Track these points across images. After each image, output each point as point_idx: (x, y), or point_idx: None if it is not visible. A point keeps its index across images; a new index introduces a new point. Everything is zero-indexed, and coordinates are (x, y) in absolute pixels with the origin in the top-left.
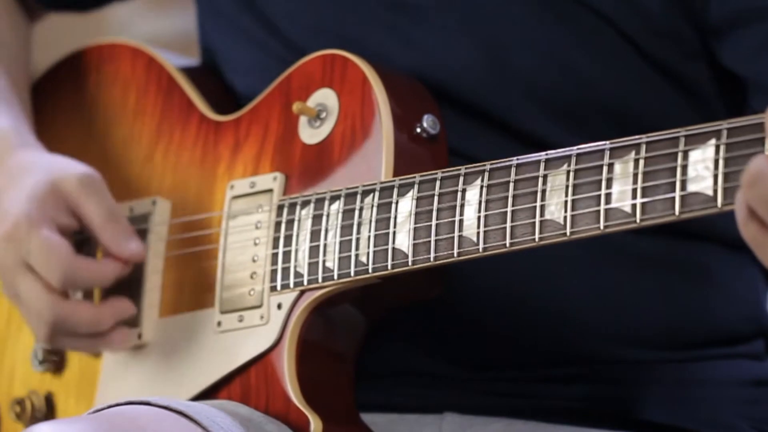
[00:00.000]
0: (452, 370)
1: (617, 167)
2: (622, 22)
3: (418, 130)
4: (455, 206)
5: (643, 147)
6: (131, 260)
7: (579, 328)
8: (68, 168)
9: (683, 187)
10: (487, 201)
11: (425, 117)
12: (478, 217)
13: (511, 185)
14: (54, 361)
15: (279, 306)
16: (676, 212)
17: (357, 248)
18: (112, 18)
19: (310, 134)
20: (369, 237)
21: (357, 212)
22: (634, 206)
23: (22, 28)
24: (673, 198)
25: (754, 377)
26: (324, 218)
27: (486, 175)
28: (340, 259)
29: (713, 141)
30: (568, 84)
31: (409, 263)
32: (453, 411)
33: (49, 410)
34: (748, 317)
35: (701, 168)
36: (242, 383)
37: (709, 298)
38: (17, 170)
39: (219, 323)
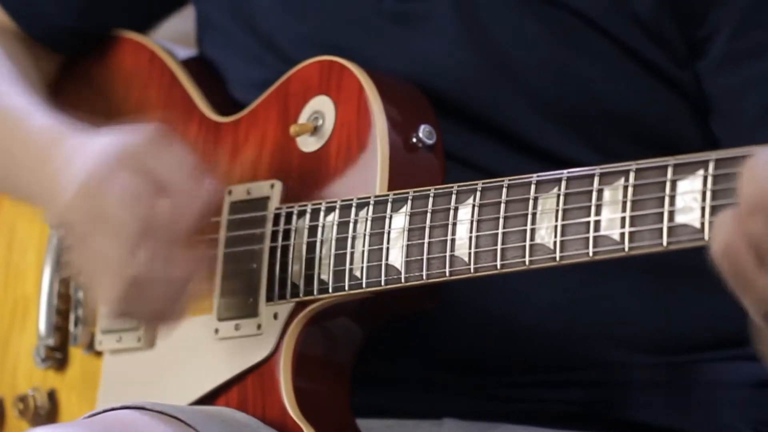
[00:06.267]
0: (451, 375)
1: (606, 193)
2: (613, 28)
3: (414, 140)
4: (447, 225)
5: (632, 174)
6: (208, 192)
7: (578, 333)
8: (134, 130)
9: (671, 218)
10: (478, 221)
11: (422, 127)
12: (470, 238)
13: (503, 206)
14: (56, 358)
15: (275, 316)
16: (664, 243)
17: (351, 262)
18: None
19: (307, 142)
20: (363, 251)
21: (351, 225)
22: (622, 235)
23: (44, 66)
24: (661, 229)
25: (754, 379)
26: (319, 229)
27: (478, 194)
28: (334, 272)
29: (701, 172)
30: (568, 90)
31: (402, 280)
32: (452, 416)
33: (52, 407)
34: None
35: (689, 199)
36: (239, 391)
37: (709, 301)
38: (79, 143)
39: (216, 330)
